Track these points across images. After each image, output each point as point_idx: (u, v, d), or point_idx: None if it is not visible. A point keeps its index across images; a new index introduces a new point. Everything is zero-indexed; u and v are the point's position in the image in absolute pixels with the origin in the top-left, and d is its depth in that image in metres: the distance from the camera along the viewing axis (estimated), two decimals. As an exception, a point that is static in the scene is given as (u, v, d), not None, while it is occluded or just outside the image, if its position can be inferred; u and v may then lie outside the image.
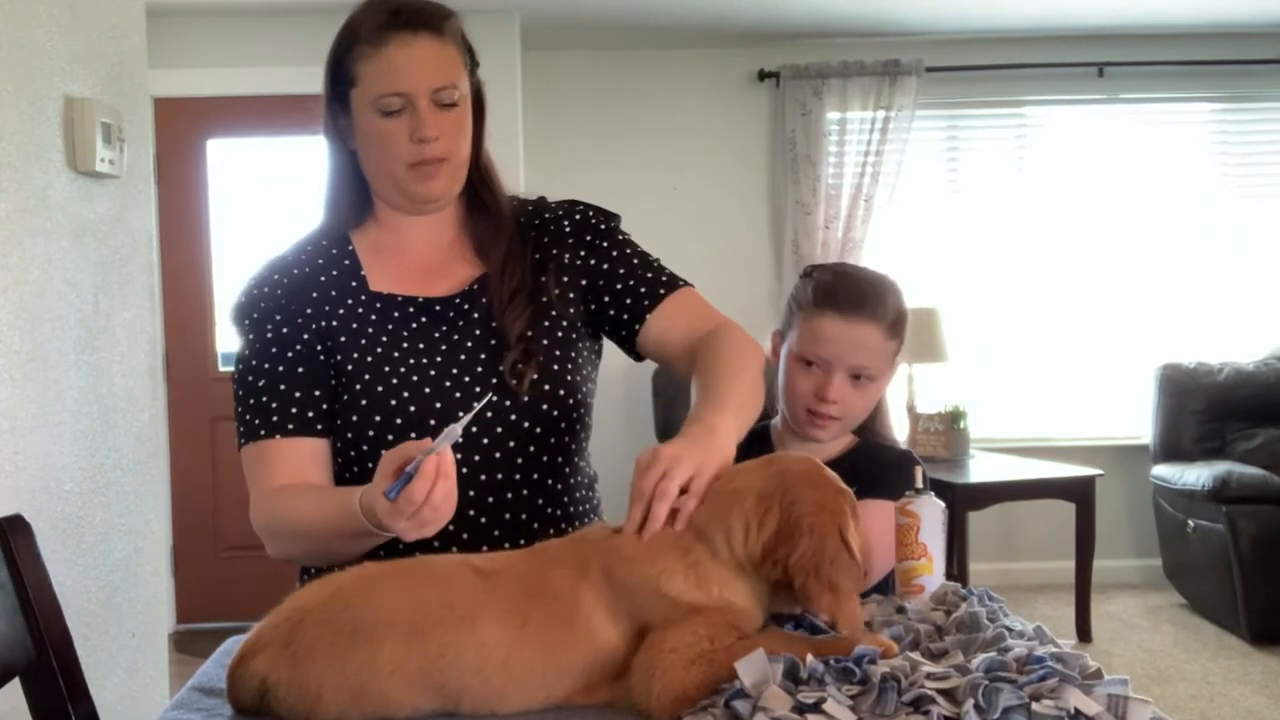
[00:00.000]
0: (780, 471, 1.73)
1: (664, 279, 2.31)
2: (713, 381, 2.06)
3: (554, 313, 2.26)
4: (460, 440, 2.12)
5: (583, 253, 2.33)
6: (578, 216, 2.38)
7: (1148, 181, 7.61)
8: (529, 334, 2.21)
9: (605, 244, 2.34)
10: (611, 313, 2.29)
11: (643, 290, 2.28)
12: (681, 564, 1.66)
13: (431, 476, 1.63)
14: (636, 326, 2.28)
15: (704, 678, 1.57)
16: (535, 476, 2.19)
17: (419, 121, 2.14)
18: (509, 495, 2.16)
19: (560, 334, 2.25)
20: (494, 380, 2.17)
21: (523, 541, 2.13)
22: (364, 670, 1.60)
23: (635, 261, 2.33)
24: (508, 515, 2.16)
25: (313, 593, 1.73)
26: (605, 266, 2.31)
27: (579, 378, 2.26)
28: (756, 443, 2.42)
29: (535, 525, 2.19)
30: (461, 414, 2.13)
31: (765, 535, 1.66)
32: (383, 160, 2.21)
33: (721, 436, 1.86)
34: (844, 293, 2.36)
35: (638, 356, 2.34)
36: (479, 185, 2.34)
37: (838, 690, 1.47)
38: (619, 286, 2.29)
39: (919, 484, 2.12)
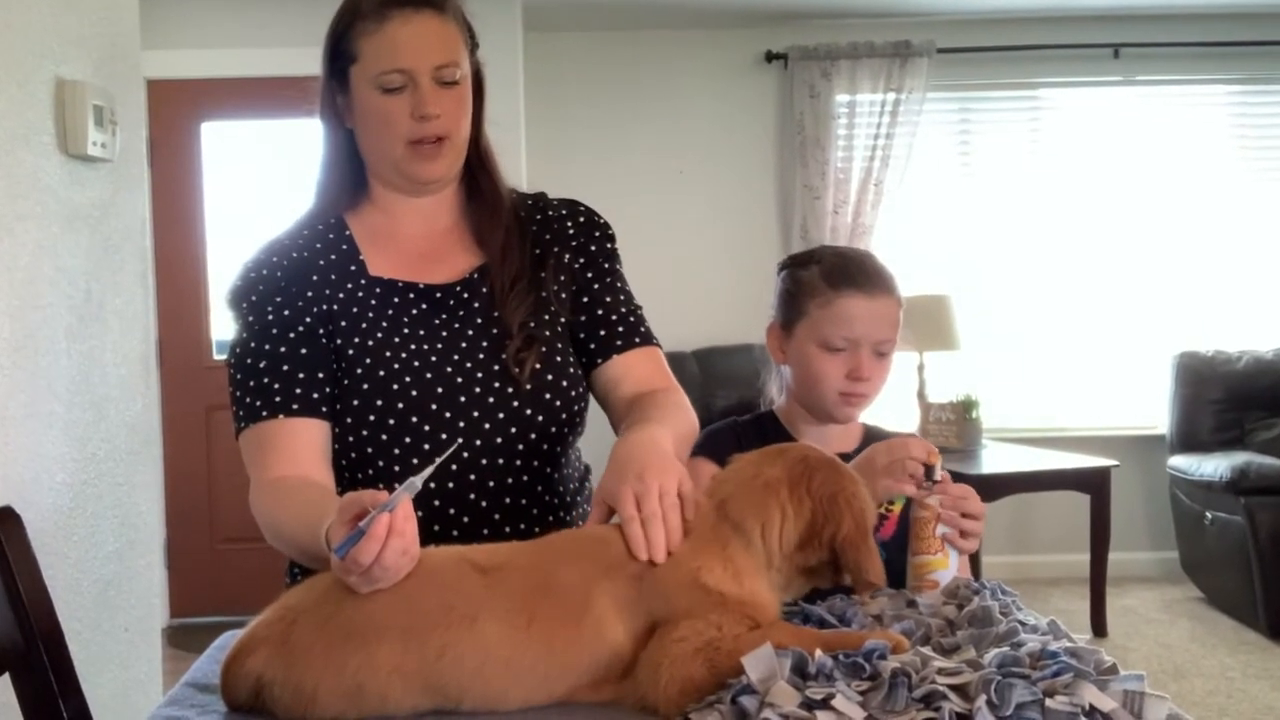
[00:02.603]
0: (801, 458, 1.77)
1: (642, 329, 2.36)
2: (651, 415, 2.12)
3: (553, 307, 2.28)
4: (462, 426, 2.13)
5: (582, 259, 2.36)
6: (581, 219, 2.41)
7: (1164, 165, 7.60)
8: (530, 323, 2.23)
9: (605, 263, 2.39)
10: (583, 335, 2.32)
11: (621, 330, 2.33)
12: (720, 558, 1.69)
13: (381, 538, 1.57)
14: (600, 360, 2.31)
15: (710, 667, 1.57)
16: (535, 463, 2.20)
17: (421, 98, 2.15)
18: (509, 480, 2.17)
19: (560, 328, 2.28)
20: (496, 368, 2.18)
21: (522, 526, 2.17)
22: (361, 672, 1.60)
23: (622, 298, 2.37)
24: (507, 499, 2.18)
25: (306, 591, 1.73)
26: (597, 286, 2.35)
27: (579, 371, 2.29)
28: (769, 427, 2.45)
29: (534, 511, 2.21)
30: (463, 399, 2.15)
31: (802, 522, 1.72)
32: (382, 138, 2.22)
33: (667, 448, 1.91)
34: (859, 272, 2.39)
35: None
36: (477, 170, 2.36)
37: (847, 686, 1.46)
38: (600, 313, 2.33)
39: (936, 476, 2.12)
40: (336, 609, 1.65)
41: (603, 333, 2.32)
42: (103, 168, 3.31)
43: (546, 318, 2.26)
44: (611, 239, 2.42)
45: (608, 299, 2.34)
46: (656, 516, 1.72)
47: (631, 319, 2.35)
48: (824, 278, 2.39)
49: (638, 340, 2.33)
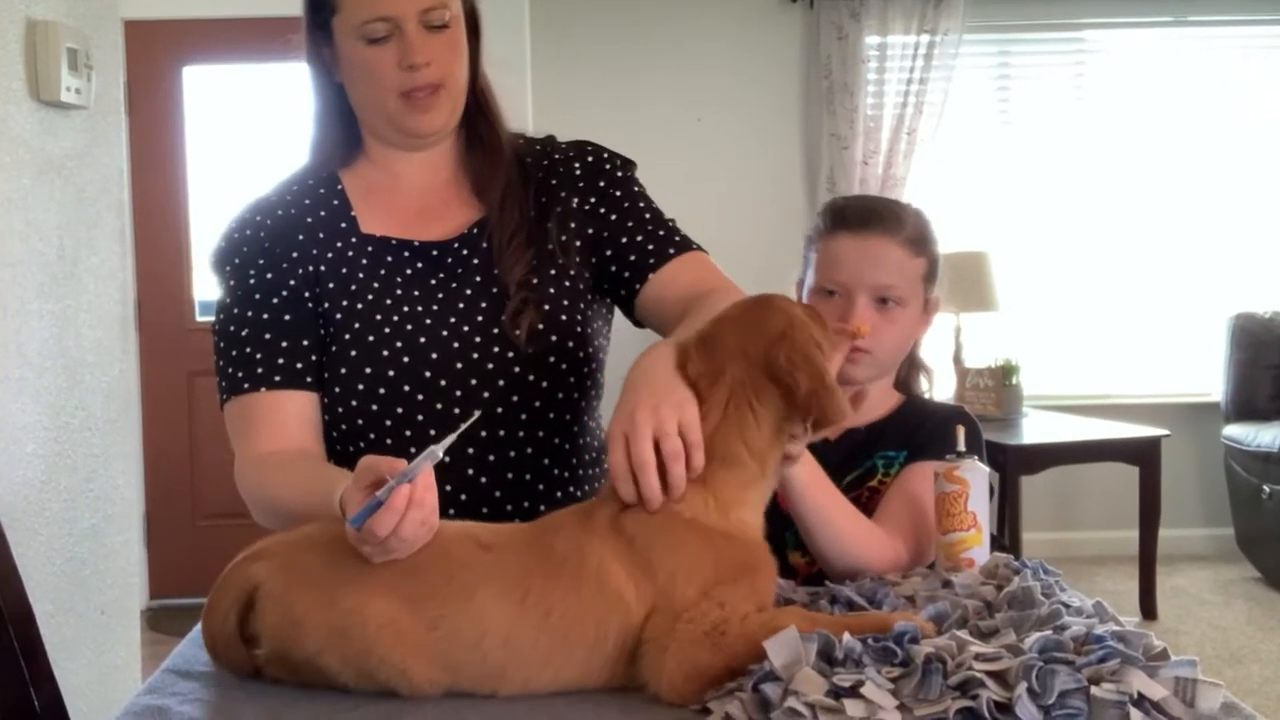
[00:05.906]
0: (740, 351, 1.77)
1: (676, 239, 2.30)
2: (683, 325, 2.02)
3: (560, 261, 2.25)
4: (459, 395, 2.13)
5: (592, 199, 2.32)
6: (589, 159, 2.37)
7: (1220, 113, 7.53)
8: (532, 280, 2.20)
9: (617, 192, 2.34)
10: (614, 268, 2.28)
11: (650, 247, 2.27)
12: (700, 493, 1.71)
13: (400, 510, 1.58)
14: (637, 285, 2.26)
15: (718, 651, 1.58)
16: (541, 434, 2.19)
17: (408, 46, 2.13)
18: (512, 454, 2.17)
19: (567, 283, 2.25)
20: (495, 331, 2.17)
21: (526, 504, 2.16)
22: (350, 616, 1.63)
23: (647, 216, 2.32)
24: (510, 475, 2.17)
25: (325, 525, 1.76)
26: (614, 217, 2.31)
27: (589, 330, 2.26)
28: None
29: (540, 487, 2.20)
30: (459, 365, 2.14)
31: (773, 407, 1.75)
32: (372, 93, 2.21)
33: (671, 368, 1.81)
34: (854, 210, 2.36)
35: (637, 321, 2.33)
36: (475, 116, 2.33)
37: (877, 672, 1.46)
38: (624, 240, 2.28)
39: (962, 446, 2.09)
40: (342, 554, 1.68)
41: (633, 256, 2.27)
42: (77, 115, 3.30)
43: (553, 273, 2.23)
44: (623, 168, 2.36)
45: (630, 223, 2.29)
46: (648, 465, 1.69)
47: (662, 231, 2.29)
48: (823, 220, 2.37)
49: (672, 250, 2.27)
